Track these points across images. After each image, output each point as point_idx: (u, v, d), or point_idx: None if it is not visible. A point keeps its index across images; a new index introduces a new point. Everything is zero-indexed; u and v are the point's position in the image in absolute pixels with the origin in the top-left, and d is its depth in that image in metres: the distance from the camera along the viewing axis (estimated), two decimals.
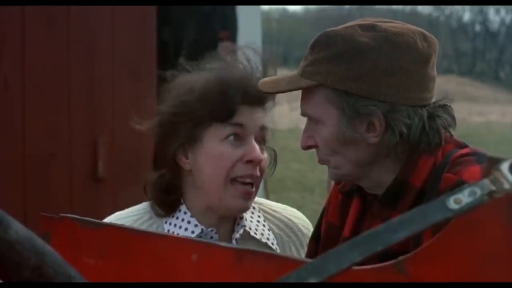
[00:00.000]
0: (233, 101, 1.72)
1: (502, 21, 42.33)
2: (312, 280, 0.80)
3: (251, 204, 1.78)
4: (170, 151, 1.76)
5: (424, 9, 46.11)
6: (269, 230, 1.84)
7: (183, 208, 1.79)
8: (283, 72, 1.81)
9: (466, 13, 44.69)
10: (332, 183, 1.87)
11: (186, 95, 1.74)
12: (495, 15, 42.79)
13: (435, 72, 1.67)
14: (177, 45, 5.56)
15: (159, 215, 1.80)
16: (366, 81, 1.60)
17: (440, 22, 41.50)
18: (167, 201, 1.79)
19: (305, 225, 1.91)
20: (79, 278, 0.88)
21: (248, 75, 1.77)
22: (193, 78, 1.77)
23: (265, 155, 1.78)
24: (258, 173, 1.76)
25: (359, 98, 1.60)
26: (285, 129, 18.42)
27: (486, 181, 0.84)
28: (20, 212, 3.90)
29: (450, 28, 41.44)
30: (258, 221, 1.83)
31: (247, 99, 1.74)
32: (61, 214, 1.20)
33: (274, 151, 1.86)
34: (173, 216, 1.79)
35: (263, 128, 1.77)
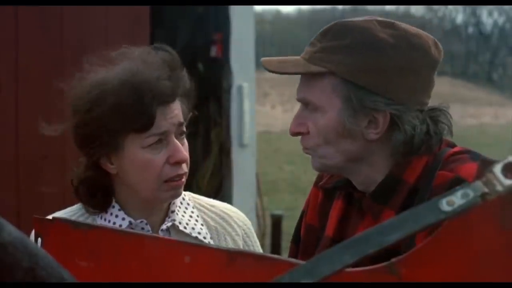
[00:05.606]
0: (150, 109, 1.67)
1: (495, 23, 42.51)
2: (305, 281, 0.80)
3: (182, 190, 1.79)
4: (92, 159, 1.74)
5: (417, 11, 46.25)
6: (202, 224, 1.85)
7: (114, 203, 1.80)
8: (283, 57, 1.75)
9: (459, 15, 44.81)
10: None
11: (98, 106, 1.68)
12: (488, 17, 42.93)
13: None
14: (171, 47, 5.55)
15: (93, 213, 1.80)
16: (378, 76, 1.59)
17: (433, 24, 41.58)
18: (98, 202, 1.79)
19: (241, 218, 1.93)
20: (72, 280, 0.89)
21: (160, 72, 1.71)
22: (104, 82, 1.70)
23: (186, 148, 1.76)
24: (186, 170, 1.76)
25: (368, 92, 1.60)
26: (278, 131, 18.42)
27: (478, 183, 0.84)
28: (13, 214, 3.89)
29: (443, 30, 41.50)
30: (191, 216, 1.84)
31: (162, 100, 1.69)
32: (53, 216, 1.20)
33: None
34: (106, 212, 1.80)
35: (180, 124, 1.74)
